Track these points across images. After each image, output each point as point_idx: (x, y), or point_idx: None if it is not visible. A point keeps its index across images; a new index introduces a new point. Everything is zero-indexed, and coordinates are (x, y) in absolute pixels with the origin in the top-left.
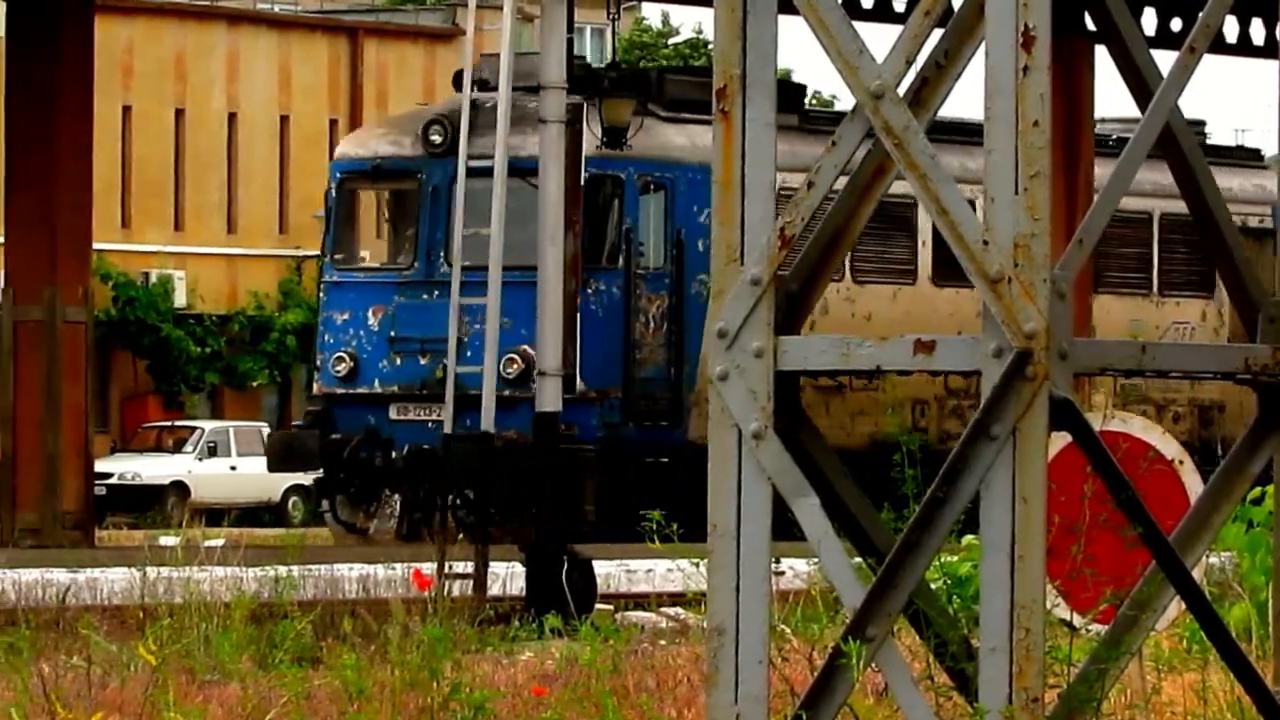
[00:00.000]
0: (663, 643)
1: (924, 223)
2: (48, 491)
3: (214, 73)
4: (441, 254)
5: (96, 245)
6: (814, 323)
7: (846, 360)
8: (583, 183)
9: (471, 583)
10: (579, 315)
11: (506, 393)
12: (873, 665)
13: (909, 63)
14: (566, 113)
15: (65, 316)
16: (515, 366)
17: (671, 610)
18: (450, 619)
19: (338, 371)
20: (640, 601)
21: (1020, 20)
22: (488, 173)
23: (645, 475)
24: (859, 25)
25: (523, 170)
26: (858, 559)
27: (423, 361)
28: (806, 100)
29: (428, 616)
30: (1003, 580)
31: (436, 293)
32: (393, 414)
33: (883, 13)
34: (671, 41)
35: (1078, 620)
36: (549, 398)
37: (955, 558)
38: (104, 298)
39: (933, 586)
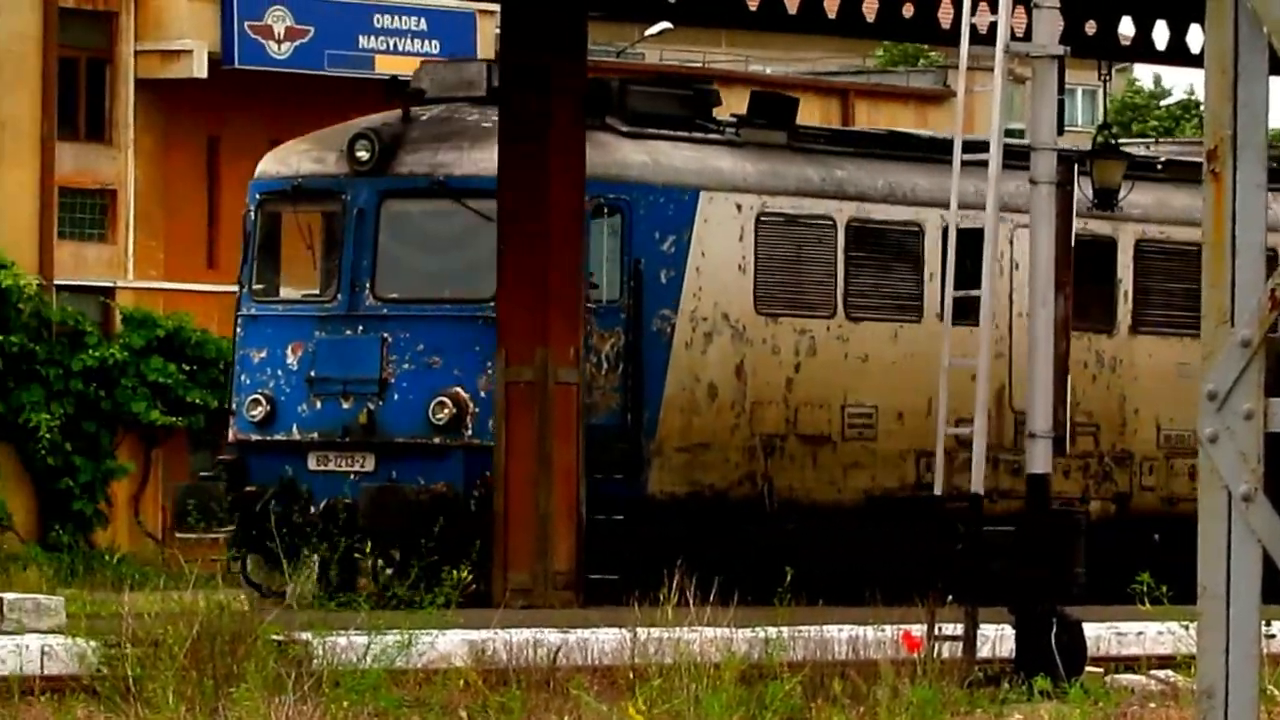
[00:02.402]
0: (1152, 705)
1: (932, 253)
2: (539, 552)
3: None
4: (367, 284)
5: None
6: (799, 364)
7: None
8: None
9: (961, 644)
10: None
11: (436, 440)
12: None
13: None
14: (1058, 174)
15: (557, 378)
16: (446, 411)
17: (1161, 673)
18: (939, 680)
19: (253, 416)
20: (1130, 664)
21: None
22: (414, 193)
23: (595, 534)
24: None
25: (457, 190)
26: None
27: (345, 405)
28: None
29: (916, 678)
30: None
31: (361, 328)
32: (311, 464)
33: None
34: (1163, 103)
35: None
36: (1039, 460)
37: None
38: None
39: None
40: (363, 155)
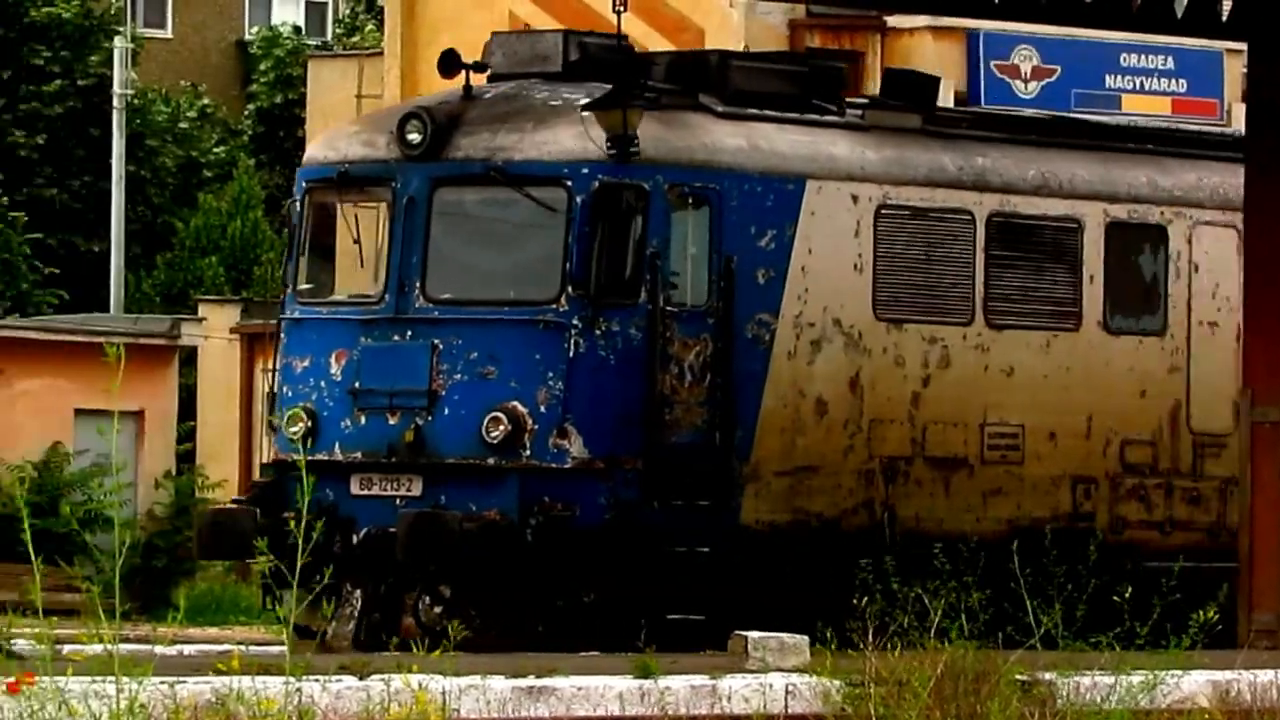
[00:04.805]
0: None
1: (1092, 253)
2: None
3: None
4: (417, 284)
5: None
6: (928, 377)
7: None
8: (593, 192)
9: None
10: (577, 362)
11: (490, 461)
12: None
13: None
14: None
15: None
16: (501, 428)
17: None
18: None
19: (293, 433)
20: None
21: None
22: (469, 180)
23: (677, 568)
24: None
25: (517, 177)
26: None
27: (391, 421)
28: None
29: None
30: None
31: (410, 333)
32: (354, 488)
33: None
34: None
35: None
36: None
37: None
38: None
39: None
40: (414, 138)
